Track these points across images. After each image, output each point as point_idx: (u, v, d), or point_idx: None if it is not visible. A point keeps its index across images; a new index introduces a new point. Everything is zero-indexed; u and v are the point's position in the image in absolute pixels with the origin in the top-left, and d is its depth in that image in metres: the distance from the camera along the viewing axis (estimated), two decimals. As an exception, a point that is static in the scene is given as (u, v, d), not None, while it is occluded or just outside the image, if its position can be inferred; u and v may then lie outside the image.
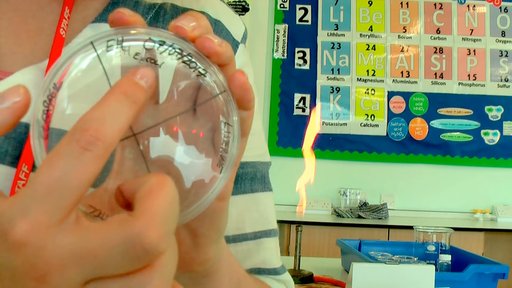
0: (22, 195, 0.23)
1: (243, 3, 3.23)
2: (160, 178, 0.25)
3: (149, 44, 0.28)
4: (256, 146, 0.56)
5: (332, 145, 3.27)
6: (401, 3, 3.33)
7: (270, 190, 0.57)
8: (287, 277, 0.57)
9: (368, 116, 3.28)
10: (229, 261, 0.42)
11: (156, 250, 0.23)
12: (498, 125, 3.27)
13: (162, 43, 0.28)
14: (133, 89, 0.25)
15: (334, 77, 3.29)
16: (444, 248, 1.44)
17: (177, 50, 0.29)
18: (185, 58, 0.29)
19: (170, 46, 0.28)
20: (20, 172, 0.41)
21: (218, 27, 0.54)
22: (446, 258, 1.39)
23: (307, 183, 0.99)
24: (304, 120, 3.25)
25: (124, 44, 0.28)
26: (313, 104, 3.28)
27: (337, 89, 3.30)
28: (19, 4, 0.46)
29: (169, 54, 0.29)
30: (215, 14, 0.54)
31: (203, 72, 0.29)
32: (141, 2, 0.51)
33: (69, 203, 0.24)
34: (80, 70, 0.28)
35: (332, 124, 3.28)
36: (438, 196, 3.25)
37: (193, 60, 0.29)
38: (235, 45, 0.55)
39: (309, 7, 3.32)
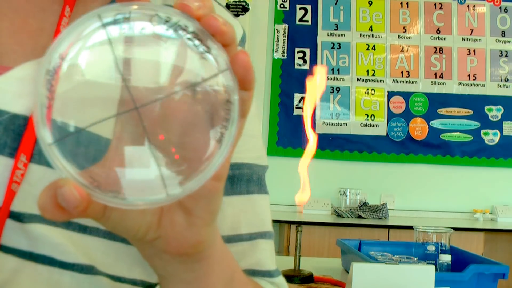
0: None
1: (243, 3, 3.23)
2: None
3: (155, 20, 0.29)
4: (254, 148, 0.56)
5: (332, 145, 3.27)
6: (401, 3, 3.33)
7: (266, 193, 0.57)
8: (281, 280, 0.57)
9: (368, 116, 3.28)
10: (222, 251, 0.42)
11: None
12: (498, 125, 3.27)
13: (168, 19, 0.29)
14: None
15: (334, 77, 3.29)
16: (444, 248, 1.44)
17: (183, 27, 0.29)
18: (190, 35, 0.29)
19: (176, 22, 0.29)
20: (18, 161, 0.42)
21: None
22: (446, 258, 1.39)
23: (309, 164, 0.98)
24: (304, 120, 3.25)
25: (131, 19, 0.29)
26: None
27: (337, 89, 3.30)
28: (20, 5, 0.47)
29: (175, 30, 0.29)
30: None
31: (206, 49, 0.29)
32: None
33: None
34: (86, 42, 0.29)
35: (332, 124, 3.28)
36: (438, 196, 3.25)
37: (198, 37, 0.29)
38: None
39: (309, 7, 3.32)
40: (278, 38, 3.31)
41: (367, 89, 3.29)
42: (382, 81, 3.29)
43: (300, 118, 3.27)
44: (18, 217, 0.43)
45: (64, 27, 0.45)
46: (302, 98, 3.29)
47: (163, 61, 0.31)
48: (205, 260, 0.38)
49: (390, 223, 2.87)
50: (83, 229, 0.44)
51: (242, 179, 0.54)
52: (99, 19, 0.28)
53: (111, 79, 0.30)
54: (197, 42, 0.29)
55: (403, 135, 3.27)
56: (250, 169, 0.55)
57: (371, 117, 3.28)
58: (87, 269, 0.44)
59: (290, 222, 2.81)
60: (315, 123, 3.27)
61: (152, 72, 0.31)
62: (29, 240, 0.43)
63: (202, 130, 0.31)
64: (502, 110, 3.28)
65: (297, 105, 3.29)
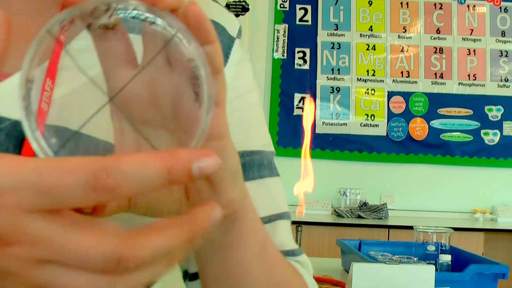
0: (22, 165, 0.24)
1: (243, 3, 3.23)
2: (193, 218, 0.26)
3: (96, 14, 0.29)
4: (260, 136, 0.57)
5: (332, 145, 3.27)
6: (401, 3, 3.33)
7: (278, 175, 0.58)
8: (304, 258, 0.58)
9: (368, 116, 3.28)
10: (253, 213, 0.43)
11: (125, 268, 0.24)
12: (498, 125, 3.27)
13: (107, 8, 0.29)
14: (180, 172, 0.25)
15: (334, 77, 3.29)
16: (444, 248, 1.44)
17: (122, 9, 0.29)
18: (132, 13, 0.29)
19: (115, 8, 0.29)
20: None
21: None
22: (446, 258, 1.39)
23: (305, 191, 0.98)
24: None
25: (76, 23, 0.29)
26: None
27: (337, 89, 3.30)
28: (18, 9, 0.47)
29: (117, 15, 0.29)
30: (208, 15, 0.54)
31: (153, 20, 0.29)
32: None
33: (52, 204, 0.24)
34: (46, 60, 0.30)
35: (332, 124, 3.28)
36: (438, 196, 3.25)
37: (140, 12, 0.29)
38: (231, 40, 0.56)
39: (309, 7, 3.32)
40: (278, 38, 3.31)
41: (367, 89, 3.29)
42: (382, 81, 3.29)
43: (300, 118, 3.27)
44: None
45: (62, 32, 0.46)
46: (302, 98, 3.29)
47: (120, 46, 0.32)
48: (240, 220, 0.40)
49: (390, 223, 2.87)
50: None
51: (253, 165, 0.55)
52: (49, 34, 0.29)
53: (83, 84, 0.31)
54: (142, 17, 0.29)
55: (403, 135, 3.27)
56: (260, 155, 0.56)
57: (371, 117, 3.28)
58: None
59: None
60: (315, 123, 3.27)
61: (115, 62, 0.32)
62: None
63: (180, 97, 0.31)
64: (502, 110, 3.28)
65: (297, 105, 3.29)
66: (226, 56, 0.55)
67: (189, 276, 0.55)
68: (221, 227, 0.39)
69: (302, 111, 3.28)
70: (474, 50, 3.31)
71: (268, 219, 0.55)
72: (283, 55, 3.31)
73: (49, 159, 0.24)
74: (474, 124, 3.28)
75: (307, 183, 1.01)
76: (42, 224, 0.24)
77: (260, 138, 0.57)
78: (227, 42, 0.55)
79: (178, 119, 0.32)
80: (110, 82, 0.33)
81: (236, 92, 0.54)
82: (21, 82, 0.28)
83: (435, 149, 3.26)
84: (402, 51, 3.31)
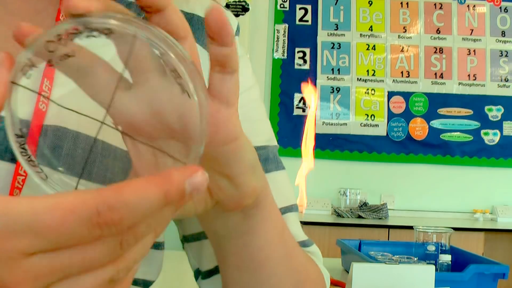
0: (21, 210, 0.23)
1: (243, 3, 3.23)
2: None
3: (50, 45, 0.28)
4: (263, 132, 0.58)
5: (332, 145, 3.27)
6: (401, 3, 3.33)
7: (283, 168, 0.59)
8: (315, 249, 0.59)
9: (368, 116, 3.28)
10: (272, 199, 0.44)
11: (128, 247, 0.25)
12: (498, 125, 3.27)
13: (59, 37, 0.27)
14: (175, 193, 0.24)
15: (334, 77, 3.29)
16: (444, 248, 1.44)
17: (73, 32, 0.27)
18: (85, 33, 0.27)
19: (67, 34, 0.27)
20: (19, 167, 0.42)
21: None
22: (446, 258, 1.39)
23: (307, 174, 0.98)
24: (304, 120, 3.25)
25: (35, 62, 0.28)
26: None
27: (337, 89, 3.29)
28: (16, 9, 0.47)
29: (71, 40, 0.27)
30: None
31: (107, 31, 0.27)
32: (134, 3, 0.51)
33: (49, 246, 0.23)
34: (21, 108, 0.29)
35: (332, 124, 3.28)
36: (438, 196, 3.25)
37: (92, 28, 0.27)
38: None
39: (309, 7, 3.32)
40: (278, 38, 3.31)
41: (367, 89, 3.29)
42: (382, 81, 3.29)
43: (300, 118, 3.27)
44: None
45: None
46: (302, 98, 3.29)
47: (96, 67, 0.31)
48: (260, 206, 0.41)
49: (390, 223, 2.87)
50: None
51: (260, 159, 0.55)
52: (14, 84, 0.27)
53: (75, 120, 0.31)
54: (95, 33, 0.27)
55: (403, 135, 3.26)
56: (265, 150, 0.56)
57: (371, 117, 3.28)
58: None
59: (290, 222, 2.80)
60: (315, 123, 3.27)
61: (93, 79, 0.31)
62: None
63: (171, 96, 0.31)
64: (502, 110, 3.28)
65: (297, 105, 3.29)
66: None
67: (202, 275, 0.55)
68: (244, 214, 0.40)
69: (302, 111, 3.28)
70: (474, 50, 3.31)
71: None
72: (283, 55, 3.31)
73: (43, 198, 0.23)
74: (474, 124, 3.28)
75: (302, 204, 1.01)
76: (41, 260, 0.23)
77: (263, 134, 0.57)
78: None
79: (179, 128, 0.32)
80: (99, 97, 0.32)
81: None
82: (12, 141, 0.28)
83: (435, 149, 3.26)
84: (402, 51, 3.31)
